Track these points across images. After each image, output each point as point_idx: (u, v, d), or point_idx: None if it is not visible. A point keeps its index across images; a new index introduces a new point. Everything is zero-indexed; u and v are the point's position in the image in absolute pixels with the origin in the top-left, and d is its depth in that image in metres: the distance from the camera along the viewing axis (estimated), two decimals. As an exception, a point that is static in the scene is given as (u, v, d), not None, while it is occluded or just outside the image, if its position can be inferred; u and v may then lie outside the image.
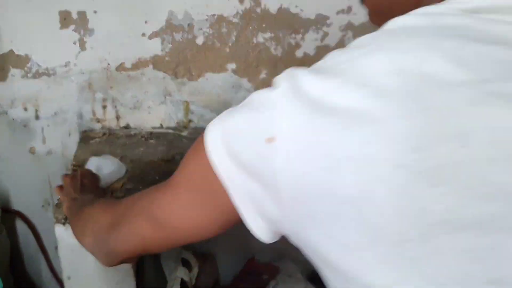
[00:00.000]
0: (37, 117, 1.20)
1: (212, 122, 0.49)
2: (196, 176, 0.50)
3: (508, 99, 0.36)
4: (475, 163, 0.36)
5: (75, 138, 1.23)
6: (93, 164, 0.99)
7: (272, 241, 0.49)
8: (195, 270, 1.21)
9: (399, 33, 0.42)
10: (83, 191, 0.84)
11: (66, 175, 0.89)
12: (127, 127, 1.25)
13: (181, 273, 1.18)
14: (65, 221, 0.89)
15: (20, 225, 1.29)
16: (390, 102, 0.38)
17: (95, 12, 1.12)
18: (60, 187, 0.87)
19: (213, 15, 1.17)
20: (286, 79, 0.43)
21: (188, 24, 1.17)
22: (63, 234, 0.90)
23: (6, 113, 1.18)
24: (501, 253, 0.35)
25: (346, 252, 0.40)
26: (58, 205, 0.92)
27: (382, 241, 0.38)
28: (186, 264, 1.19)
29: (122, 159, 1.08)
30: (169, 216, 0.54)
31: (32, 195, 1.27)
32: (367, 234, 0.38)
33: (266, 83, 1.26)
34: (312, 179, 0.40)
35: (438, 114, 0.36)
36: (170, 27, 1.16)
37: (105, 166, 0.98)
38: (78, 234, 0.73)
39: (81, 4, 1.12)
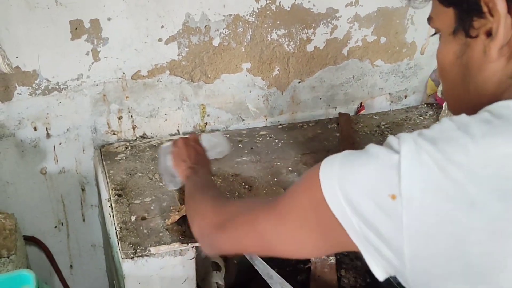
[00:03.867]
0: (48, 136, 1.10)
1: (326, 162, 0.51)
2: (308, 210, 0.52)
3: None
4: None
5: (89, 153, 1.15)
6: (207, 142, 0.98)
7: (385, 279, 0.50)
8: (223, 270, 1.22)
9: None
10: (197, 160, 0.88)
11: (181, 138, 0.92)
12: (143, 136, 1.19)
13: (216, 278, 1.18)
14: (134, 255, 0.86)
15: (31, 248, 1.20)
16: None
17: (109, 19, 1.03)
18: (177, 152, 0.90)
19: (230, 15, 1.13)
20: (408, 145, 0.46)
21: (205, 26, 1.12)
22: (131, 269, 0.87)
23: (14, 135, 1.07)
24: None
25: None
26: (122, 239, 0.88)
27: None
28: (214, 265, 1.19)
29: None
30: (274, 238, 0.58)
31: (44, 216, 1.18)
32: None
33: (279, 79, 1.25)
34: (439, 242, 0.43)
35: None
36: (187, 30, 1.11)
37: (218, 146, 1.01)
38: (189, 217, 0.81)
39: (93, 13, 1.02)
